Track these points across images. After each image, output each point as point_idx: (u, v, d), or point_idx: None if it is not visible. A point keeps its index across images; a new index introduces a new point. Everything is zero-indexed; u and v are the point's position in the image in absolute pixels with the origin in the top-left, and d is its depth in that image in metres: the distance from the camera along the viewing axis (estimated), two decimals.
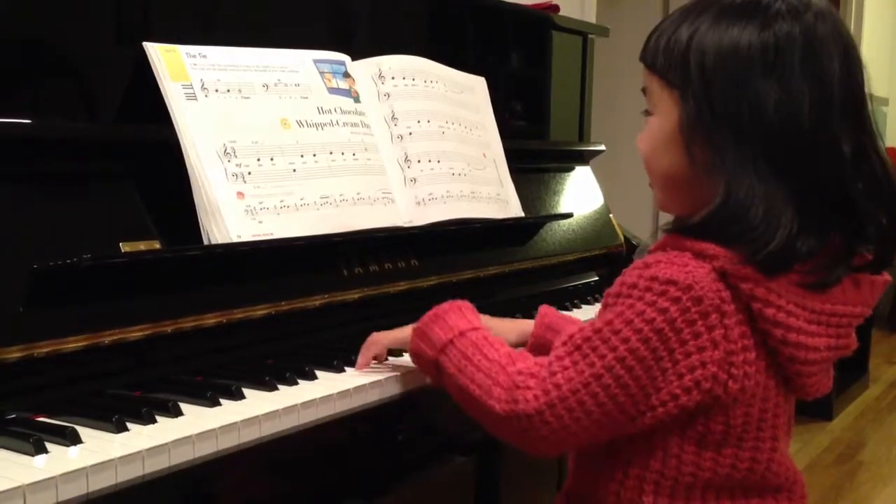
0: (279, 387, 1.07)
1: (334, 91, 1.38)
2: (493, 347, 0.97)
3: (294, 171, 1.26)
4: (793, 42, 0.87)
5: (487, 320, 1.28)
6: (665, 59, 0.92)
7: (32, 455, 0.84)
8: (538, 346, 1.23)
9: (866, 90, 0.91)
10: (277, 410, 0.99)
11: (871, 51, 5.59)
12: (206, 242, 1.16)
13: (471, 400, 0.95)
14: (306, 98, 1.33)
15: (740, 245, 0.86)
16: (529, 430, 0.89)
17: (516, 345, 1.25)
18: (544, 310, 1.26)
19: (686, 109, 0.90)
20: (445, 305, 1.06)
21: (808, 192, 0.86)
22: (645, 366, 0.86)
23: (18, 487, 0.77)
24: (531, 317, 1.53)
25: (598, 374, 0.87)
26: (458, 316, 1.04)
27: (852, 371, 3.90)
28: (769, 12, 0.88)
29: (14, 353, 0.95)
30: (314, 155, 1.30)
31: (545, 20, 2.05)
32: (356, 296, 1.33)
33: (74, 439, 0.87)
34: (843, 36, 0.90)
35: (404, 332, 1.11)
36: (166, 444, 0.88)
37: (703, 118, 0.89)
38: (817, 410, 3.48)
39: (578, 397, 0.87)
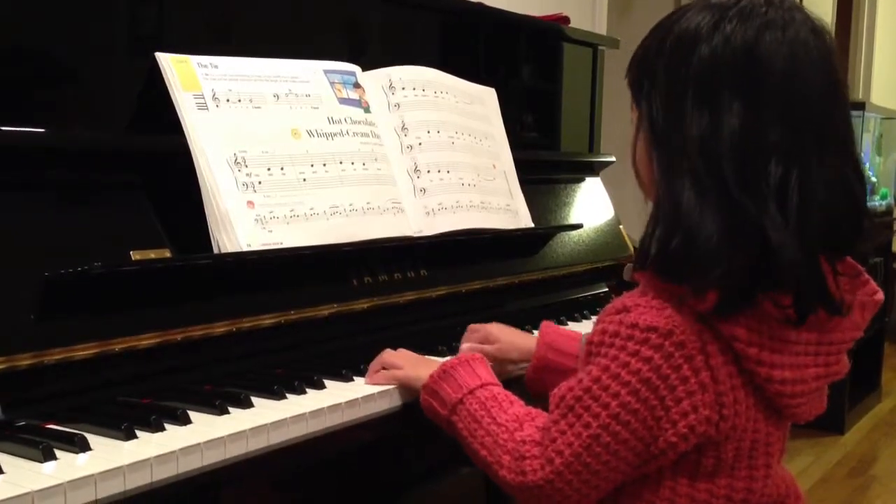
0: (287, 395, 1.07)
1: (344, 101, 1.38)
2: (502, 408, 0.97)
3: (304, 180, 1.27)
4: (728, 62, 0.83)
5: (496, 330, 1.28)
6: (631, 79, 0.93)
7: (41, 462, 0.84)
8: (542, 368, 1.22)
9: (820, 117, 0.84)
10: (286, 419, 0.99)
11: (883, 63, 5.58)
12: (216, 251, 1.17)
13: (483, 464, 0.96)
14: (317, 108, 1.34)
15: (686, 277, 0.83)
16: (542, 497, 0.90)
17: (518, 362, 1.25)
18: (545, 328, 1.25)
19: (639, 123, 0.91)
20: (454, 360, 1.06)
21: (736, 216, 0.82)
22: (639, 418, 0.86)
23: (27, 494, 0.77)
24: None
25: (596, 434, 0.87)
26: (466, 372, 1.03)
27: (864, 385, 3.87)
28: (721, 23, 0.84)
29: (25, 361, 0.95)
30: (324, 165, 1.31)
31: (556, 32, 2.06)
32: (365, 306, 1.33)
33: (83, 446, 0.87)
34: (801, 55, 0.83)
35: (418, 373, 1.09)
36: (175, 451, 0.88)
37: (646, 136, 0.89)
38: (829, 424, 3.46)
39: (582, 460, 0.87)
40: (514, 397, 1.00)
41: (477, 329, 1.30)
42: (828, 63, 0.85)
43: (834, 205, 0.83)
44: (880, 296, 0.92)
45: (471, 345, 1.27)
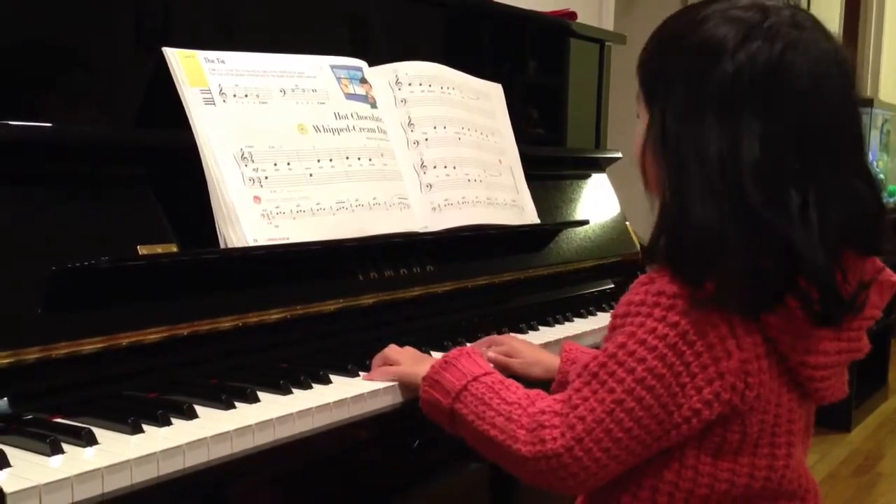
0: (294, 390, 1.07)
1: (351, 97, 1.38)
2: (510, 390, 0.96)
3: (310, 175, 1.27)
4: (753, 81, 0.83)
5: (520, 344, 1.28)
6: (643, 77, 0.92)
7: (48, 455, 0.84)
8: (565, 382, 1.21)
9: (835, 136, 0.85)
10: (292, 414, 0.99)
11: (890, 59, 5.55)
12: (222, 246, 1.17)
13: (493, 445, 0.94)
14: (323, 103, 1.34)
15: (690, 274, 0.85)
16: (559, 468, 0.88)
17: (541, 379, 1.23)
18: (569, 345, 1.25)
19: (650, 126, 0.90)
20: (455, 352, 1.04)
21: (759, 226, 0.82)
22: (665, 383, 0.85)
23: (34, 487, 0.77)
24: (546, 323, 1.53)
25: (620, 399, 0.86)
26: (469, 361, 1.02)
27: (871, 382, 3.86)
28: (747, 41, 0.84)
29: (32, 354, 0.95)
30: (330, 160, 1.31)
31: (563, 27, 2.05)
32: (371, 301, 1.33)
33: (90, 440, 0.87)
34: (823, 68, 0.84)
35: (416, 369, 1.09)
36: (181, 445, 0.88)
37: (657, 139, 0.88)
38: (836, 421, 3.45)
39: (604, 426, 0.86)
40: (518, 383, 0.99)
41: (500, 342, 1.29)
42: (846, 83, 0.87)
43: (849, 216, 0.85)
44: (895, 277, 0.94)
45: (496, 356, 1.26)
